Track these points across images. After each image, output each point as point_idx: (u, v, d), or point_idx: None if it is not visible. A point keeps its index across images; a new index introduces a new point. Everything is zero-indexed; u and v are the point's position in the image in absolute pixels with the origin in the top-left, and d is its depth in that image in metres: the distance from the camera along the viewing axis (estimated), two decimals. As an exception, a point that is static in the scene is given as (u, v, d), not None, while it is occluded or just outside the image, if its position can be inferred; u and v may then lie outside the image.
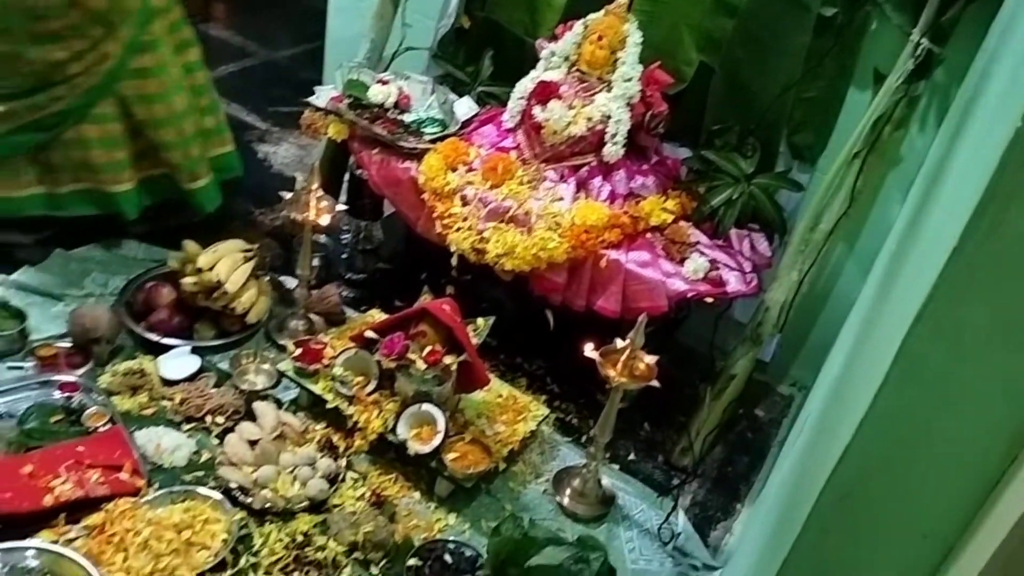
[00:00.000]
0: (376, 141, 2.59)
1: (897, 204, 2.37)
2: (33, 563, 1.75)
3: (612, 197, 2.45)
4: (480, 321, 2.31)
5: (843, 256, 2.58)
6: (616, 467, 2.45)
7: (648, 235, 2.42)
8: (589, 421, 2.51)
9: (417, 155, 2.54)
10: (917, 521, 1.14)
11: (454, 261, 2.46)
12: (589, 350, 2.07)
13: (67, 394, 2.20)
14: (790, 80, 2.40)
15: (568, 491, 2.28)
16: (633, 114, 2.44)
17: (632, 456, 2.51)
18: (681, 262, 2.35)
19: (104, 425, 2.13)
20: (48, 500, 1.89)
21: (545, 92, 2.47)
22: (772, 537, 1.59)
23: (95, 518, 1.90)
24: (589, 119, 2.42)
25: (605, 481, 2.32)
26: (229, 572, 1.89)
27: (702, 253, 2.38)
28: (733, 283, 2.33)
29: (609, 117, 2.42)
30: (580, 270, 2.35)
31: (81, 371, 2.28)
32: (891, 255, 1.83)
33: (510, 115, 2.59)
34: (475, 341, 2.25)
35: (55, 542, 1.82)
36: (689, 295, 2.30)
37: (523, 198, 2.40)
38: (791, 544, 1.28)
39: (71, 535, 1.86)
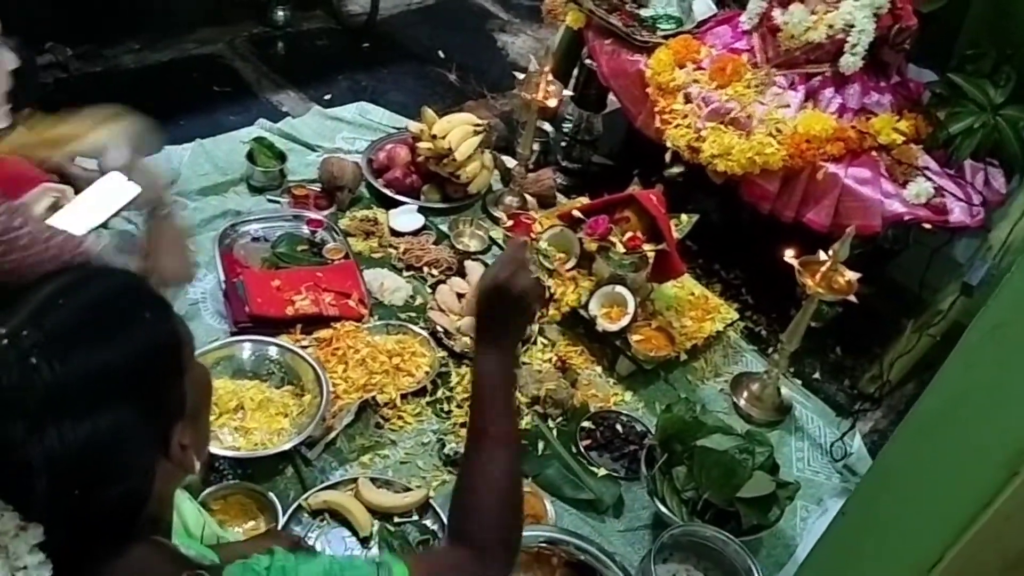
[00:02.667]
0: (610, 32, 2.66)
1: None
2: (275, 356, 2.08)
3: (841, 111, 2.39)
4: (684, 217, 2.38)
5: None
6: (799, 382, 2.46)
7: (873, 153, 2.35)
8: (779, 335, 2.52)
9: (648, 49, 2.59)
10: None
11: (668, 158, 2.52)
12: (789, 256, 2.09)
13: (313, 229, 2.52)
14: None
15: (745, 393, 2.34)
16: (879, 26, 2.34)
17: (817, 375, 2.51)
18: (904, 184, 2.27)
19: (340, 259, 2.43)
20: (290, 311, 2.21)
21: (788, -5, 2.42)
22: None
23: (324, 333, 2.21)
24: (830, 26, 2.35)
25: (784, 391, 2.35)
26: (427, 398, 2.14)
27: (928, 178, 2.28)
28: (957, 213, 2.23)
29: (852, 26, 2.33)
30: (795, 180, 2.34)
31: (326, 212, 2.60)
32: None
33: (748, 16, 2.56)
34: (676, 235, 2.32)
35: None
36: (906, 218, 2.23)
37: (747, 101, 2.40)
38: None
39: (304, 343, 2.17)
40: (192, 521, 1.46)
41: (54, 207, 1.73)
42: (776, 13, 2.43)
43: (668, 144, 2.48)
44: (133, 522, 0.91)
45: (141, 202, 1.70)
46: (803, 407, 2.37)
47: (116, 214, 1.77)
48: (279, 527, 1.75)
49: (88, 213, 1.73)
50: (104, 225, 1.76)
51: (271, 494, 1.81)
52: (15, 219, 1.43)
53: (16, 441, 0.80)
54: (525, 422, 2.13)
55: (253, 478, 1.86)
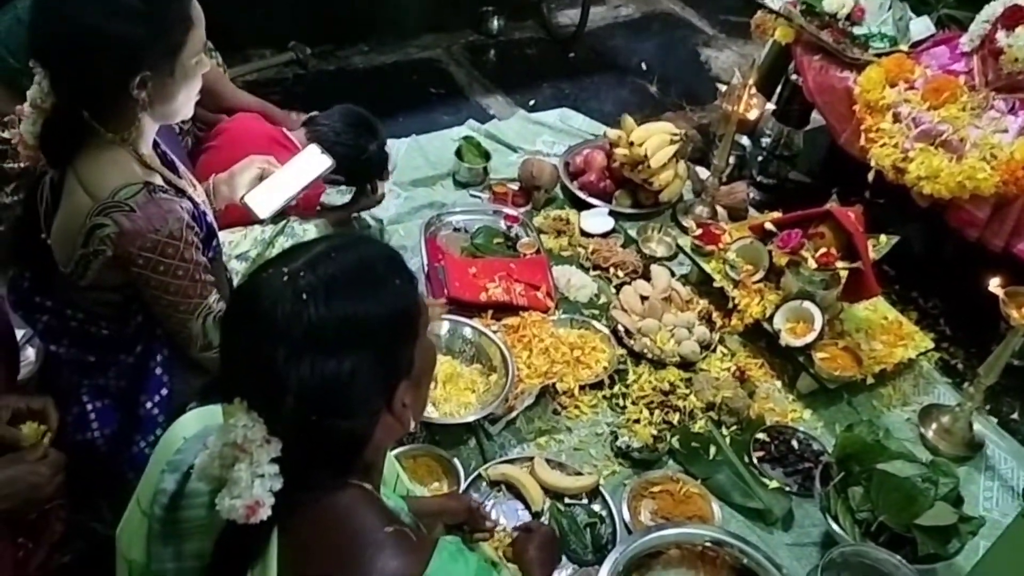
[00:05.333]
0: (819, 48, 2.64)
1: None
2: (468, 336, 2.24)
3: (1066, 139, 2.25)
4: (883, 238, 2.33)
5: None
6: (994, 420, 2.33)
7: (1098, 186, 2.20)
8: (975, 369, 2.40)
9: (859, 66, 2.55)
10: None
11: (871, 177, 2.47)
12: (995, 285, 2.00)
13: (509, 224, 2.68)
14: None
15: (934, 425, 2.25)
16: (1118, 51, 2.19)
17: (1015, 415, 2.37)
18: None
19: (532, 254, 2.57)
20: (483, 296, 2.37)
21: (1015, 17, 2.31)
22: None
23: (513, 320, 2.35)
24: (1061, 50, 2.23)
25: (977, 427, 2.24)
26: (603, 392, 2.23)
27: None
28: None
29: (1086, 50, 2.20)
30: (1007, 208, 2.23)
31: (522, 209, 2.75)
32: None
33: (969, 38, 2.47)
34: (872, 255, 2.28)
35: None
36: None
37: (961, 124, 2.31)
38: None
39: (493, 327, 2.32)
40: (387, 471, 1.62)
41: (260, 177, 1.91)
42: (1000, 35, 2.33)
43: (872, 163, 2.43)
44: (353, 461, 1.04)
45: None
46: (996, 446, 2.25)
47: (308, 186, 1.96)
48: (460, 491, 1.89)
49: (284, 184, 1.91)
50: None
51: (455, 460, 1.96)
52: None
53: (278, 362, 0.94)
54: (698, 426, 2.17)
55: (440, 444, 2.02)
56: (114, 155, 1.50)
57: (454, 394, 2.10)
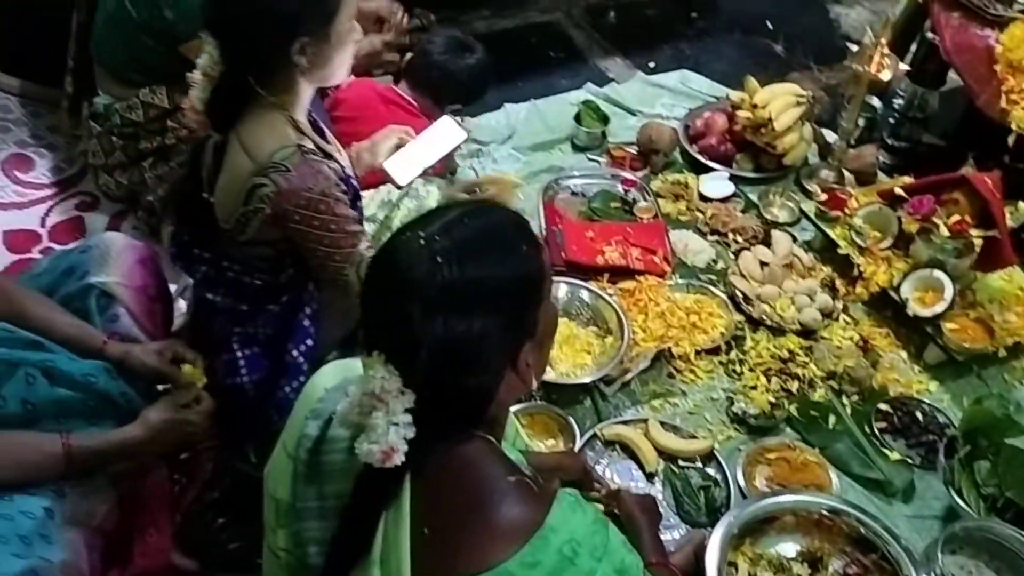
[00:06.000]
0: (959, 4, 2.50)
1: None
2: (585, 299, 2.28)
3: None
4: (1021, 205, 2.22)
5: None
6: None
7: None
8: (1124, 345, 2.27)
9: (1001, 23, 2.41)
10: None
11: (1011, 141, 2.34)
12: None
13: (626, 188, 2.69)
14: None
15: (1073, 404, 2.15)
16: None
17: None
18: None
19: (649, 218, 2.57)
20: (600, 260, 2.39)
21: None
22: None
23: (629, 284, 2.37)
24: None
25: (1123, 407, 2.12)
26: (720, 357, 2.23)
27: None
28: None
29: None
30: None
31: (640, 173, 2.75)
32: None
33: None
34: (1010, 223, 2.17)
35: (599, 291, 2.33)
36: None
37: (1118, 83, 2.16)
38: None
39: (609, 291, 2.34)
40: (507, 427, 1.69)
41: (398, 146, 2.03)
42: None
43: (1013, 126, 2.31)
44: (479, 415, 1.11)
45: None
46: None
47: (444, 156, 2.08)
48: (575, 449, 1.95)
49: (421, 153, 2.03)
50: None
51: (571, 419, 2.02)
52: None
53: (414, 319, 1.02)
54: (818, 395, 2.14)
55: (556, 403, 2.07)
56: (272, 120, 1.64)
57: (570, 355, 2.15)
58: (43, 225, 2.52)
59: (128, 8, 2.16)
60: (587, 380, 2.09)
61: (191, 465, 1.83)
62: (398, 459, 1.03)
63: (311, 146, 1.67)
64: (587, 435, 2.00)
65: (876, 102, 2.98)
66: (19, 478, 1.43)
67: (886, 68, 2.43)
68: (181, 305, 2.13)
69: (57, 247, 2.43)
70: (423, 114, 2.51)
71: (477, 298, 1.03)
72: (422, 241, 1.04)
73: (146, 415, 1.58)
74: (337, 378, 1.23)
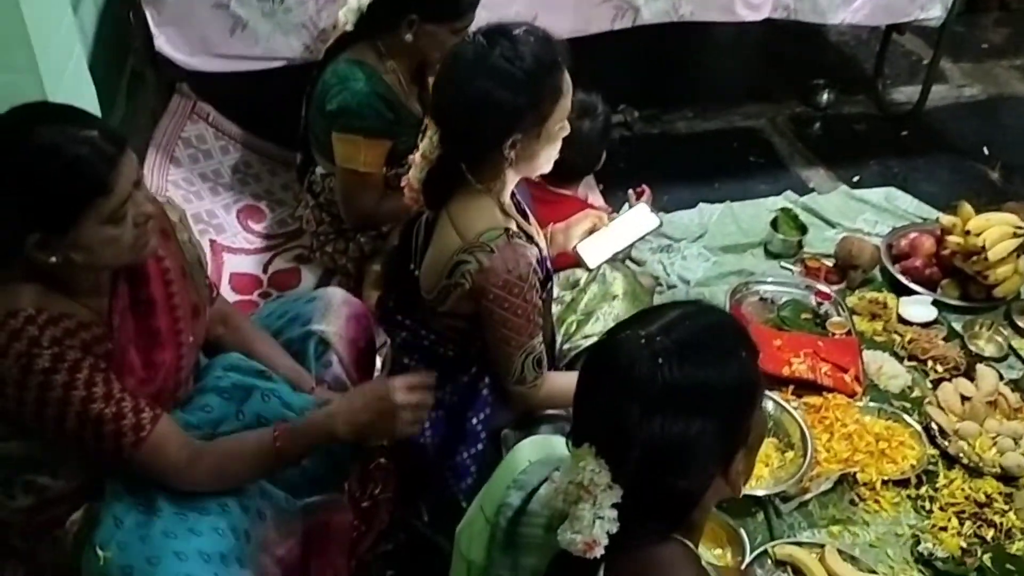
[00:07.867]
0: None
1: None
2: (769, 409, 2.20)
3: None
4: None
5: None
6: None
7: None
8: None
9: None
10: None
11: None
12: None
13: (820, 300, 2.62)
14: None
15: None
16: None
17: None
18: None
19: (842, 334, 2.49)
20: (786, 371, 2.33)
21: None
22: None
23: (815, 400, 2.29)
24: None
25: None
26: (908, 491, 2.10)
27: None
28: None
29: None
30: None
31: (836, 287, 2.68)
32: None
33: None
34: None
35: (782, 403, 2.27)
36: None
37: None
38: None
39: (793, 404, 2.28)
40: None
41: (591, 229, 2.10)
42: None
43: None
44: (682, 517, 1.10)
45: None
46: None
47: (635, 241, 2.14)
48: (743, 563, 1.89)
49: (613, 239, 2.09)
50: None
51: (742, 531, 1.96)
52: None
53: (631, 417, 1.04)
54: (1016, 547, 1.97)
55: (727, 512, 2.02)
56: (481, 202, 1.74)
57: (748, 465, 2.10)
58: (265, 271, 2.78)
59: (317, 89, 2.38)
60: (761, 493, 2.02)
61: (370, 514, 1.92)
62: (599, 552, 1.04)
63: (516, 228, 1.76)
64: (757, 551, 1.93)
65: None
66: (243, 472, 1.55)
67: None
68: (376, 361, 2.27)
69: (274, 292, 2.67)
70: (552, 190, 2.52)
71: (697, 401, 1.04)
72: (643, 340, 1.06)
73: (361, 387, 1.70)
74: (539, 453, 1.28)
